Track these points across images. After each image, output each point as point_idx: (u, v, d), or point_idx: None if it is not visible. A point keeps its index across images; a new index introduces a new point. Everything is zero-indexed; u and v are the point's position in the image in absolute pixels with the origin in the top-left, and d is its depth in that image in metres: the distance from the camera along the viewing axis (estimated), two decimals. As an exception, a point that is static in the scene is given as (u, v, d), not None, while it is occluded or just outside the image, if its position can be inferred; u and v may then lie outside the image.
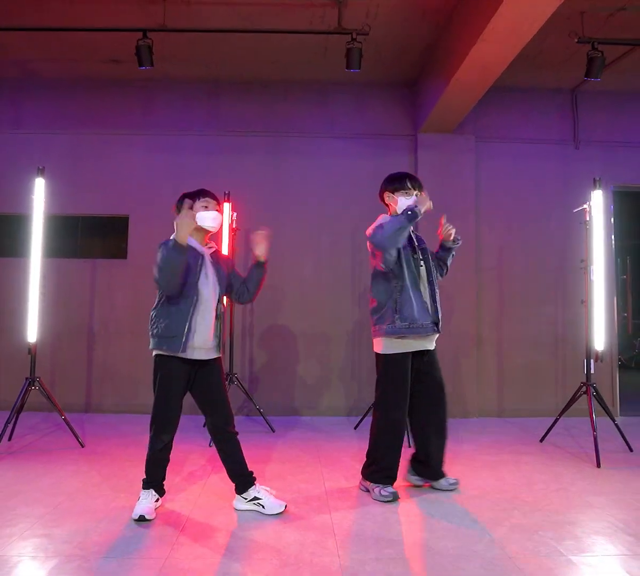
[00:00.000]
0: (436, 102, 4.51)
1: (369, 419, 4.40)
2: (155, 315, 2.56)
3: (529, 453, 3.63)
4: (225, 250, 4.19)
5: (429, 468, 2.90)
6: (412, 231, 2.96)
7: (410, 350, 2.84)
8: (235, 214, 4.33)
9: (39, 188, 3.67)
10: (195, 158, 5.13)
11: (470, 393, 4.93)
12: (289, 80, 5.18)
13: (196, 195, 2.65)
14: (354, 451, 3.66)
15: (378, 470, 2.76)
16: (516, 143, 5.25)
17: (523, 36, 3.39)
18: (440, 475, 2.90)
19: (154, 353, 2.55)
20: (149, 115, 5.18)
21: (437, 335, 2.97)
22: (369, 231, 2.87)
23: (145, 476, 2.54)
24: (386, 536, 2.27)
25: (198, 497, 2.72)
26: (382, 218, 2.98)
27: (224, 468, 2.60)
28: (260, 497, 2.53)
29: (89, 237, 5.20)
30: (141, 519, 2.39)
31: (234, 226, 4.31)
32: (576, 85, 5.19)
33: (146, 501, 2.46)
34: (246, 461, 2.61)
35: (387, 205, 3.02)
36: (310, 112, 5.23)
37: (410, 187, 2.89)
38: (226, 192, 4.32)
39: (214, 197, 2.67)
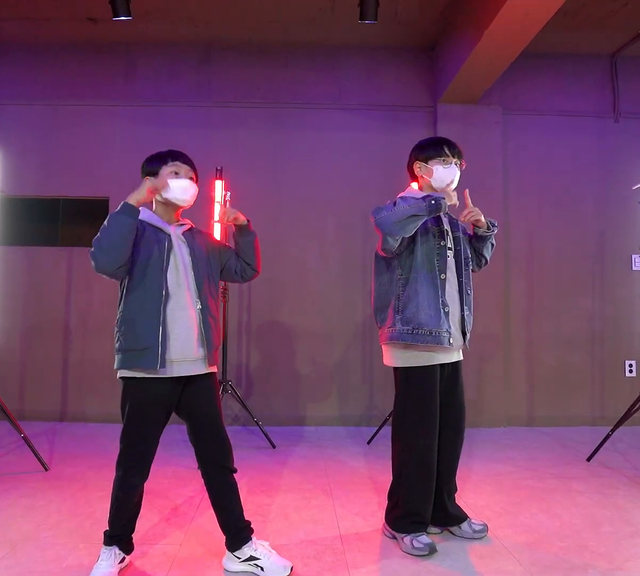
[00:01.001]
0: (462, 65, 3.88)
1: (384, 432, 3.85)
2: (118, 321, 1.93)
3: (577, 478, 3.04)
4: (217, 234, 3.58)
5: (444, 512, 2.27)
6: (445, 213, 2.31)
7: (431, 363, 2.20)
8: (228, 194, 3.69)
9: (-9, 160, 3.04)
10: (183, 132, 4.49)
11: (496, 399, 4.34)
12: (290, 43, 4.53)
13: (164, 157, 2.04)
14: (370, 474, 3.07)
15: (405, 515, 2.15)
16: (548, 115, 4.61)
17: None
18: (460, 518, 2.28)
19: (118, 375, 1.90)
20: (132, 84, 4.54)
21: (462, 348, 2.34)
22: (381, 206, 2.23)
23: (107, 528, 1.93)
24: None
25: (179, 549, 2.13)
26: (409, 191, 2.38)
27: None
28: (258, 557, 1.92)
29: (65, 223, 4.58)
30: None
31: (227, 207, 3.69)
32: (617, 49, 4.56)
33: (106, 565, 1.85)
34: (242, 507, 2.00)
35: (416, 179, 2.39)
36: (314, 79, 4.59)
37: (448, 153, 2.27)
38: (218, 168, 3.70)
39: (188, 162, 2.06)
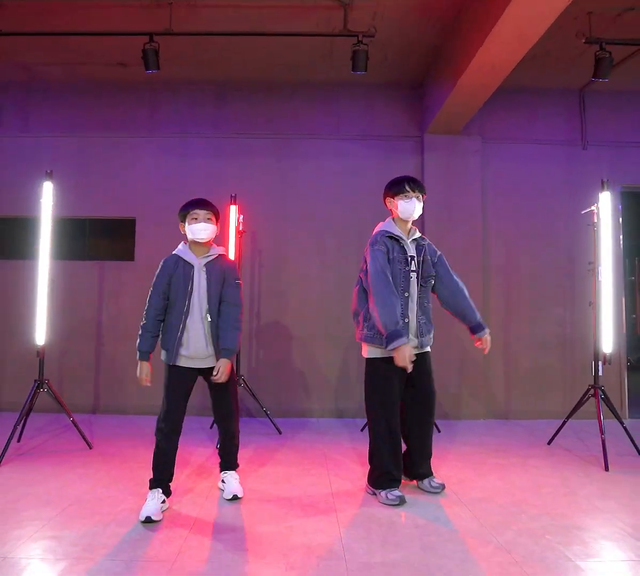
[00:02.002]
0: (443, 104, 4.50)
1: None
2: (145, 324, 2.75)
3: (536, 456, 3.62)
4: (231, 253, 4.20)
5: (414, 468, 2.91)
6: (416, 238, 2.92)
7: (389, 356, 2.73)
8: (241, 217, 4.34)
9: (47, 191, 3.69)
10: (201, 161, 5.14)
11: (477, 394, 4.91)
12: (295, 82, 5.19)
13: (185, 208, 2.71)
14: (359, 453, 3.66)
15: (380, 475, 2.77)
16: (523, 144, 5.23)
17: (531, 37, 3.38)
18: (424, 474, 2.90)
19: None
20: (156, 118, 5.21)
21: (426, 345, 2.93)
22: (371, 268, 2.76)
23: (151, 476, 2.58)
24: (392, 539, 2.27)
25: (205, 500, 2.73)
26: (381, 226, 2.96)
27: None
28: (225, 481, 2.81)
29: (96, 239, 5.23)
30: (148, 520, 2.40)
31: (240, 229, 4.32)
32: (584, 85, 5.17)
33: (153, 503, 2.49)
34: (236, 452, 2.89)
35: (390, 210, 3.00)
36: (316, 113, 5.24)
37: (408, 189, 2.86)
38: (233, 195, 4.33)
39: (205, 207, 2.69)
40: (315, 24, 4.18)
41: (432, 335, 2.97)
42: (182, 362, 2.64)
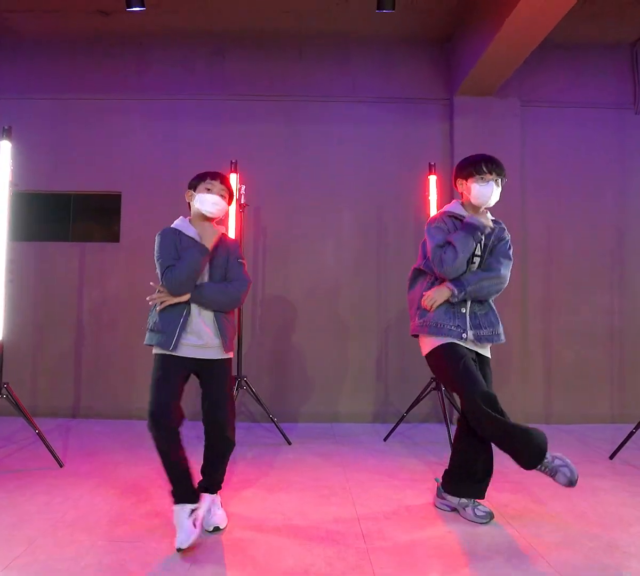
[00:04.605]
0: (478, 58, 3.82)
1: (400, 429, 3.80)
2: (151, 307, 2.28)
3: (601, 476, 2.98)
4: (231, 229, 3.54)
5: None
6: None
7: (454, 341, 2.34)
8: (243, 187, 3.67)
9: (5, 151, 3.00)
10: (196, 126, 4.45)
11: (513, 395, 4.26)
12: (304, 34, 4.47)
13: (203, 176, 2.34)
14: (388, 472, 3.02)
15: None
16: (567, 107, 4.53)
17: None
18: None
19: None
20: (143, 77, 4.50)
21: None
22: (429, 245, 2.40)
23: (170, 487, 2.14)
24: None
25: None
26: (452, 205, 2.50)
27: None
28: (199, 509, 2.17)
29: (77, 217, 4.54)
30: (179, 550, 2.00)
31: (242, 202, 3.65)
32: (637, 38, 4.47)
33: (186, 525, 2.04)
34: (220, 471, 2.31)
35: (460, 193, 2.50)
36: (329, 72, 4.53)
37: (485, 171, 2.35)
38: (233, 161, 3.65)
39: (224, 182, 2.34)
40: (332, -46, 3.48)
41: (498, 331, 2.43)
42: (182, 351, 2.18)
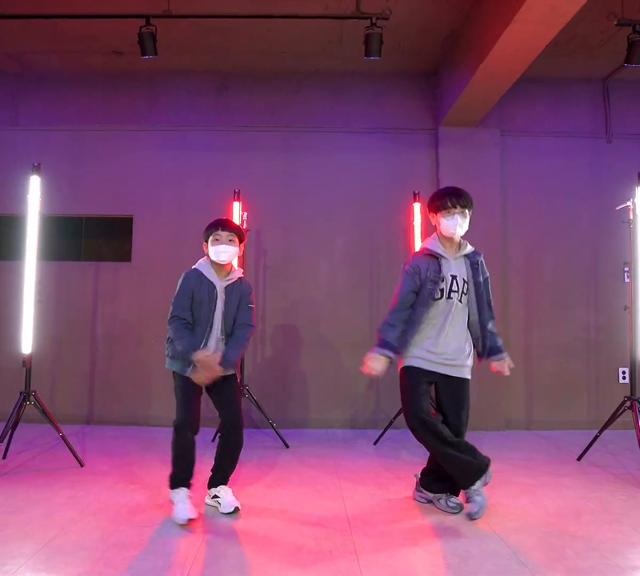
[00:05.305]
0: (461, 93, 4.20)
1: (388, 435, 4.13)
2: (169, 336, 2.66)
3: (568, 475, 3.31)
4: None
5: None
6: (466, 254, 2.75)
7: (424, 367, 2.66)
8: (245, 214, 4.04)
9: (34, 186, 3.39)
10: (202, 155, 4.84)
11: (496, 403, 4.60)
12: (301, 72, 4.89)
13: (210, 227, 2.69)
14: (376, 471, 3.35)
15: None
16: (544, 137, 4.92)
17: (564, 14, 3.07)
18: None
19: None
20: (154, 110, 4.91)
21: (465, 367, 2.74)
22: (397, 289, 2.72)
23: (172, 473, 2.60)
24: (422, 583, 1.97)
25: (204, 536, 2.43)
26: (430, 242, 2.77)
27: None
28: (219, 496, 2.65)
29: (91, 238, 4.92)
30: (188, 521, 2.45)
31: (244, 227, 4.02)
32: (608, 74, 4.86)
33: (182, 506, 2.49)
34: (232, 467, 2.73)
35: (434, 226, 2.80)
36: (324, 105, 4.93)
37: (450, 205, 2.63)
38: (236, 191, 4.03)
39: (228, 228, 2.68)
40: (325, 5, 3.88)
41: (468, 360, 2.73)
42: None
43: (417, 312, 2.62)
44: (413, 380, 2.65)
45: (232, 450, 2.69)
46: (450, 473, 2.61)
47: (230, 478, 2.73)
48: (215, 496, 2.67)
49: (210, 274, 2.67)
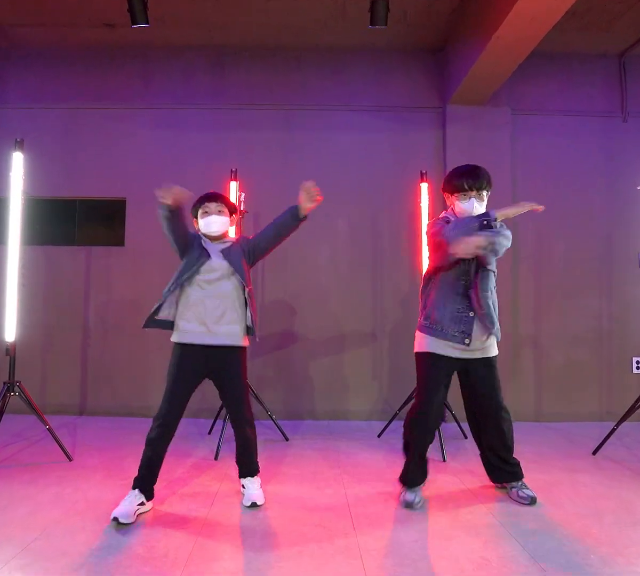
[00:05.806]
0: (471, 67, 3.97)
1: (393, 427, 3.96)
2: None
3: (583, 471, 3.13)
4: (232, 235, 3.69)
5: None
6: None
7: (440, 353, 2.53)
8: (243, 195, 3.83)
9: (17, 162, 3.17)
10: (198, 134, 4.62)
11: (505, 394, 4.39)
12: (302, 47, 4.65)
13: (196, 203, 2.62)
14: (380, 465, 3.18)
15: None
16: (557, 115, 4.69)
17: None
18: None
19: None
20: (147, 87, 4.67)
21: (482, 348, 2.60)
22: (436, 230, 2.48)
23: (136, 473, 2.45)
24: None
25: (201, 529, 2.25)
26: (446, 213, 2.60)
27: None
28: (245, 487, 2.62)
29: (83, 222, 4.71)
30: (114, 520, 2.25)
31: (241, 208, 3.81)
32: (625, 49, 4.62)
33: (127, 503, 2.34)
34: (256, 453, 2.69)
35: (449, 205, 2.63)
36: (325, 82, 4.70)
37: (466, 188, 2.44)
38: (233, 170, 3.82)
39: (215, 199, 2.59)
40: (328, -28, 3.65)
41: (489, 339, 2.60)
42: (180, 336, 2.54)
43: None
44: None
45: (242, 445, 2.65)
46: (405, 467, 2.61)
47: (257, 466, 2.70)
48: (243, 487, 2.64)
49: (206, 242, 2.60)
